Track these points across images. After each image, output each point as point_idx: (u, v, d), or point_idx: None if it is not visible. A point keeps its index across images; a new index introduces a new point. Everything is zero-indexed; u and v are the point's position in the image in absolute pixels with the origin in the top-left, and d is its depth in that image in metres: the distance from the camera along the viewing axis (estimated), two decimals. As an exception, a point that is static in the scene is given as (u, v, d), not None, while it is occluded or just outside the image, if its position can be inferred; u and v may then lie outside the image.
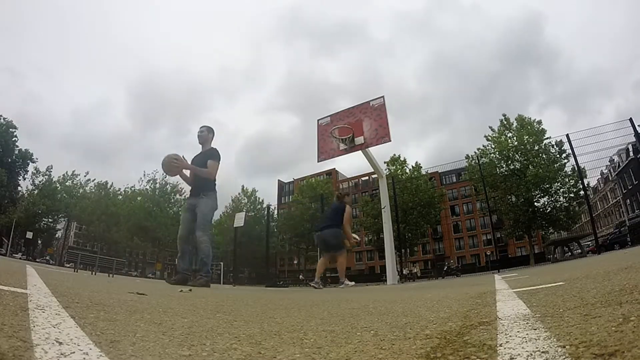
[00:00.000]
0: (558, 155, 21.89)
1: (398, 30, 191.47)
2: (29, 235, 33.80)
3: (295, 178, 61.34)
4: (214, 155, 4.66)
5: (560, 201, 21.96)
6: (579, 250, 18.50)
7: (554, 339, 0.63)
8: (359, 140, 9.91)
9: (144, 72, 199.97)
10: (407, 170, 28.82)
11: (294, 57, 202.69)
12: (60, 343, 0.63)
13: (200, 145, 4.84)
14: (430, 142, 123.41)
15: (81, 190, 38.73)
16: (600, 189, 47.23)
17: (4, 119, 35.49)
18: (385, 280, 10.64)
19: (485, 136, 24.45)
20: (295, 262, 45.92)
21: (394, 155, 29.62)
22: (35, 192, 35.42)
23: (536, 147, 22.33)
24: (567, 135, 13.70)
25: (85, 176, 39.38)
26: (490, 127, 24.57)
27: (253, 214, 39.78)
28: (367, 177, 54.59)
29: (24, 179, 37.12)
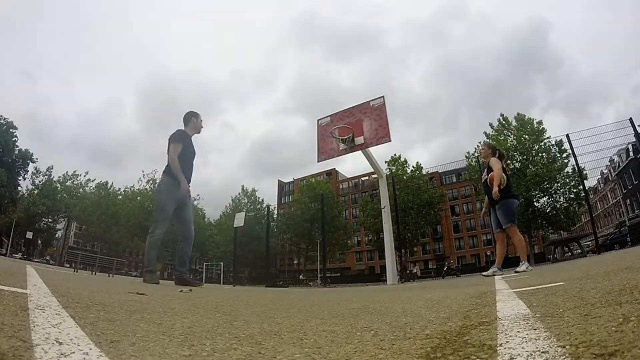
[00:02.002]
0: (558, 155, 21.88)
1: (408, 37, 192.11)
2: (29, 235, 33.84)
3: (295, 178, 61.40)
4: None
5: (560, 201, 21.96)
6: (579, 250, 18.51)
7: (554, 339, 0.63)
8: (359, 140, 9.91)
9: (155, 74, 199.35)
10: (408, 171, 28.83)
11: (306, 61, 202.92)
12: (60, 343, 0.63)
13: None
14: (436, 144, 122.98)
15: (81, 190, 38.76)
16: (600, 189, 47.22)
17: (4, 119, 35.55)
18: (385, 280, 10.63)
19: (484, 132, 24.51)
20: (295, 262, 45.93)
21: (395, 155, 29.64)
22: (35, 192, 35.44)
23: (536, 147, 22.33)
24: (567, 135, 13.69)
25: (85, 176, 39.47)
26: (490, 124, 24.60)
27: (253, 214, 39.79)
28: (367, 177, 54.62)
29: (24, 179, 37.21)
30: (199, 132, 4.52)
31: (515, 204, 4.80)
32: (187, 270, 4.28)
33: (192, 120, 4.41)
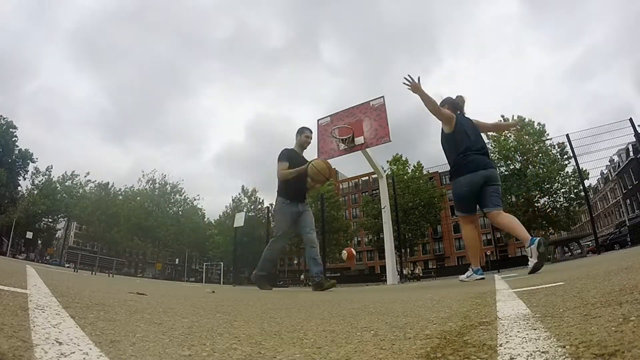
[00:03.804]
0: (559, 156, 21.89)
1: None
2: (29, 235, 33.82)
3: (295, 178, 61.31)
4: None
5: (560, 201, 21.98)
6: (579, 250, 18.52)
7: (554, 339, 0.63)
8: (359, 140, 9.91)
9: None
10: (409, 170, 28.85)
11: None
12: (60, 343, 0.63)
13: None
14: (437, 144, 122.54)
15: (81, 190, 38.78)
16: (600, 189, 47.24)
17: (4, 119, 35.53)
18: (385, 280, 10.63)
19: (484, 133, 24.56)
20: (295, 262, 45.95)
21: (397, 154, 29.66)
22: (35, 192, 35.43)
23: (536, 147, 22.35)
24: (567, 136, 13.69)
25: (85, 177, 39.50)
26: None
27: (253, 214, 39.79)
28: (367, 177, 54.60)
29: (24, 179, 37.20)
30: (304, 147, 4.68)
31: (456, 185, 3.49)
32: (318, 273, 4.17)
33: (297, 136, 4.67)
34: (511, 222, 3.30)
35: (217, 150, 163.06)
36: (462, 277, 3.68)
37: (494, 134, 24.14)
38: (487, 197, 3.37)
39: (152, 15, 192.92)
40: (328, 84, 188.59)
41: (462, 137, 3.48)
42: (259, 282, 4.40)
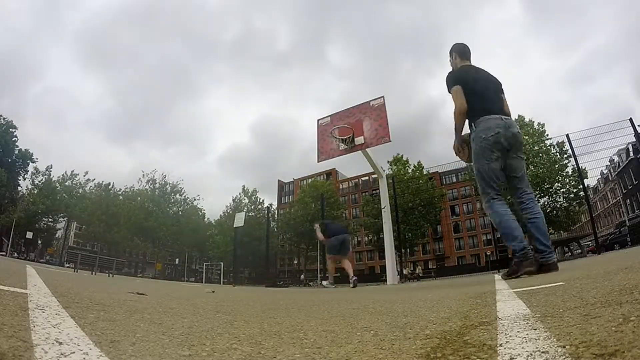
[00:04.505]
0: (559, 156, 21.90)
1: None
2: (29, 235, 33.80)
3: (295, 178, 61.43)
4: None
5: (560, 201, 21.97)
6: (579, 250, 18.53)
7: (554, 339, 0.63)
8: (359, 140, 9.91)
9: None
10: (410, 170, 28.84)
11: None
12: (60, 343, 0.63)
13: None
14: (439, 145, 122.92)
15: (81, 190, 38.77)
16: (600, 189, 47.24)
17: (4, 119, 35.50)
18: (385, 280, 10.63)
19: None
20: (295, 262, 45.99)
21: (397, 155, 29.62)
22: (35, 192, 35.42)
23: (536, 148, 22.34)
24: (567, 136, 13.70)
25: (85, 176, 39.48)
26: None
27: (253, 214, 39.79)
28: (367, 177, 54.59)
29: (24, 179, 37.16)
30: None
31: (332, 241, 7.18)
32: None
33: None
34: (348, 263, 7.40)
35: (220, 151, 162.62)
36: (325, 283, 7.40)
37: None
38: (344, 249, 7.25)
39: (159, 16, 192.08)
40: (334, 86, 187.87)
41: (328, 231, 7.31)
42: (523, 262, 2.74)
